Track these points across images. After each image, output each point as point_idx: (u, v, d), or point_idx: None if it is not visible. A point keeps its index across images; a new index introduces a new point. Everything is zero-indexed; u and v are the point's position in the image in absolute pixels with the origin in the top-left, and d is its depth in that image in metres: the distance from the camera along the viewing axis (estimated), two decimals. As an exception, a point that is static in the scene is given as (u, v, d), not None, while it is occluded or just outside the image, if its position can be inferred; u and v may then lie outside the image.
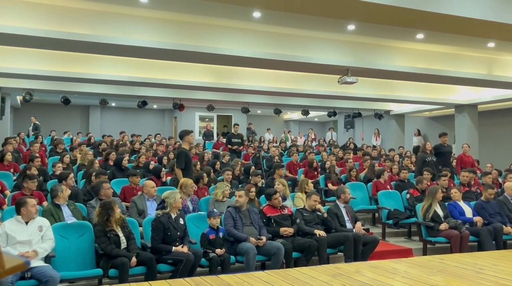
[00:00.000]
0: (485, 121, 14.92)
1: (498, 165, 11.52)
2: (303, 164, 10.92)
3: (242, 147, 12.45)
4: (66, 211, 5.42)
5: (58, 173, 7.51)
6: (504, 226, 6.87)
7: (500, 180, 9.84)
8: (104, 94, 13.97)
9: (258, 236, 5.56)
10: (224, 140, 14.73)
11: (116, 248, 4.83)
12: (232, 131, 12.83)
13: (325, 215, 6.30)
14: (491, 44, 8.42)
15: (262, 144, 15.13)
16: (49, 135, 14.75)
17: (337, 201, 6.73)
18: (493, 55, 10.10)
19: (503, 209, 7.30)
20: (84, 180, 7.45)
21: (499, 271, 4.15)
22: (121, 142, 12.51)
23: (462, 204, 7.25)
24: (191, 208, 6.35)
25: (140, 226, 5.57)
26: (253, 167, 9.67)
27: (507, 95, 12.58)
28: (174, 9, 7.11)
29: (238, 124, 13.30)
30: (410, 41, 8.70)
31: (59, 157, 9.03)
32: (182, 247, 5.12)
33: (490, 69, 10.18)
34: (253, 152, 12.42)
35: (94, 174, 7.01)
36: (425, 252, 6.88)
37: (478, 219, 6.95)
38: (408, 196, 7.95)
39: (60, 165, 8.07)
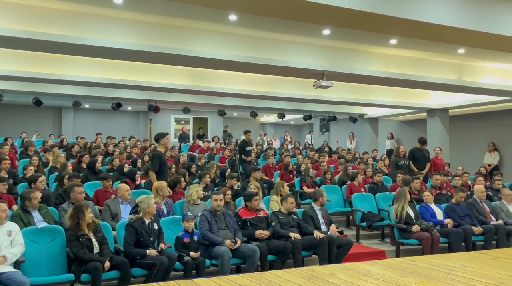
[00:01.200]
0: (455, 126, 15.29)
1: (468, 168, 11.81)
2: (279, 166, 10.97)
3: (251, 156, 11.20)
4: (36, 216, 5.28)
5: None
6: (473, 228, 7.05)
7: (469, 182, 10.09)
8: (77, 95, 13.71)
9: (233, 240, 5.55)
10: (200, 143, 14.65)
11: (89, 252, 4.75)
12: (244, 138, 11.63)
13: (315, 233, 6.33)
14: (461, 51, 8.64)
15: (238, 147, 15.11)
16: (20, 137, 14.37)
17: (313, 204, 6.79)
18: (463, 61, 10.36)
19: (472, 211, 7.49)
20: (56, 183, 7.30)
21: (469, 272, 4.25)
22: (94, 144, 12.31)
23: (433, 206, 7.41)
24: (165, 211, 6.30)
25: (114, 229, 5.49)
26: (229, 170, 9.66)
27: (477, 100, 12.93)
28: (149, 10, 7.05)
29: (250, 131, 12.03)
30: (384, 46, 8.85)
31: (29, 159, 8.82)
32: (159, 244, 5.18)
33: (460, 74, 10.45)
34: (229, 154, 12.39)
35: (66, 177, 6.87)
36: (397, 253, 7.00)
37: (448, 221, 7.11)
38: None
39: (32, 167, 7.88)
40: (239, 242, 5.55)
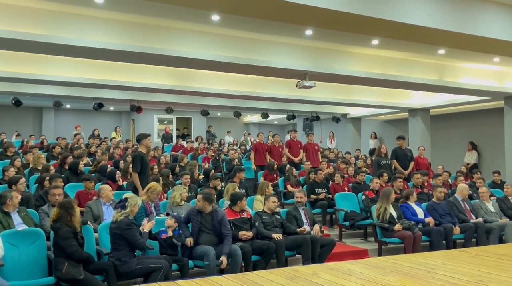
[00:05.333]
0: (436, 125, 15.51)
1: (449, 166, 12.00)
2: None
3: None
4: (16, 218, 5.19)
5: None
6: (453, 226, 7.16)
7: (450, 181, 10.25)
8: (58, 95, 13.50)
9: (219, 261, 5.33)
10: (184, 143, 14.54)
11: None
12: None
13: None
14: (441, 51, 8.77)
15: (222, 147, 15.08)
16: (-1, 137, 14.09)
17: (296, 204, 6.79)
18: (443, 62, 10.52)
19: (452, 209, 7.61)
20: (36, 184, 7.18)
21: (449, 270, 4.31)
22: (76, 145, 12.15)
23: (414, 205, 7.49)
24: (155, 213, 6.23)
25: (96, 232, 5.42)
26: (212, 170, 9.63)
27: (457, 100, 13.14)
28: (131, 10, 6.98)
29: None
30: (366, 47, 8.93)
31: (9, 160, 8.66)
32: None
33: (440, 75, 10.60)
34: (213, 154, 12.36)
35: (47, 178, 6.76)
36: (380, 252, 7.06)
37: (429, 220, 7.20)
38: (363, 197, 8.15)
39: (12, 169, 7.73)
40: (224, 261, 5.31)
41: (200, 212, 5.66)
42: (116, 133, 16.69)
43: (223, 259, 5.30)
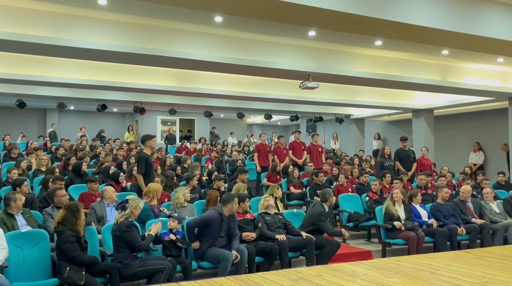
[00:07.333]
0: (440, 126, 15.46)
1: (453, 167, 11.95)
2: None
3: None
4: (20, 220, 5.20)
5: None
6: (458, 227, 7.12)
7: (454, 182, 10.21)
8: (62, 97, 13.55)
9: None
10: (188, 144, 14.56)
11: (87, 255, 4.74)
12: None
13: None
14: (445, 52, 8.75)
15: (225, 148, 15.08)
16: (2, 140, 14.15)
17: (324, 204, 6.70)
18: (447, 62, 10.49)
19: (456, 211, 7.58)
20: (40, 186, 7.20)
21: (453, 271, 4.29)
22: (80, 146, 12.19)
23: (418, 207, 7.46)
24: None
25: (99, 233, 5.43)
26: (215, 172, 9.63)
27: (461, 100, 13.11)
28: (134, 12, 7.00)
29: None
30: (369, 47, 8.92)
31: (14, 162, 8.69)
32: None
33: (444, 75, 10.57)
34: (216, 155, 12.37)
35: (51, 180, 6.78)
36: (384, 253, 7.04)
37: (432, 221, 7.18)
38: (367, 198, 8.12)
39: (16, 171, 7.75)
40: (234, 254, 5.38)
41: (221, 216, 5.58)
42: (129, 133, 16.80)
43: (234, 252, 5.37)
